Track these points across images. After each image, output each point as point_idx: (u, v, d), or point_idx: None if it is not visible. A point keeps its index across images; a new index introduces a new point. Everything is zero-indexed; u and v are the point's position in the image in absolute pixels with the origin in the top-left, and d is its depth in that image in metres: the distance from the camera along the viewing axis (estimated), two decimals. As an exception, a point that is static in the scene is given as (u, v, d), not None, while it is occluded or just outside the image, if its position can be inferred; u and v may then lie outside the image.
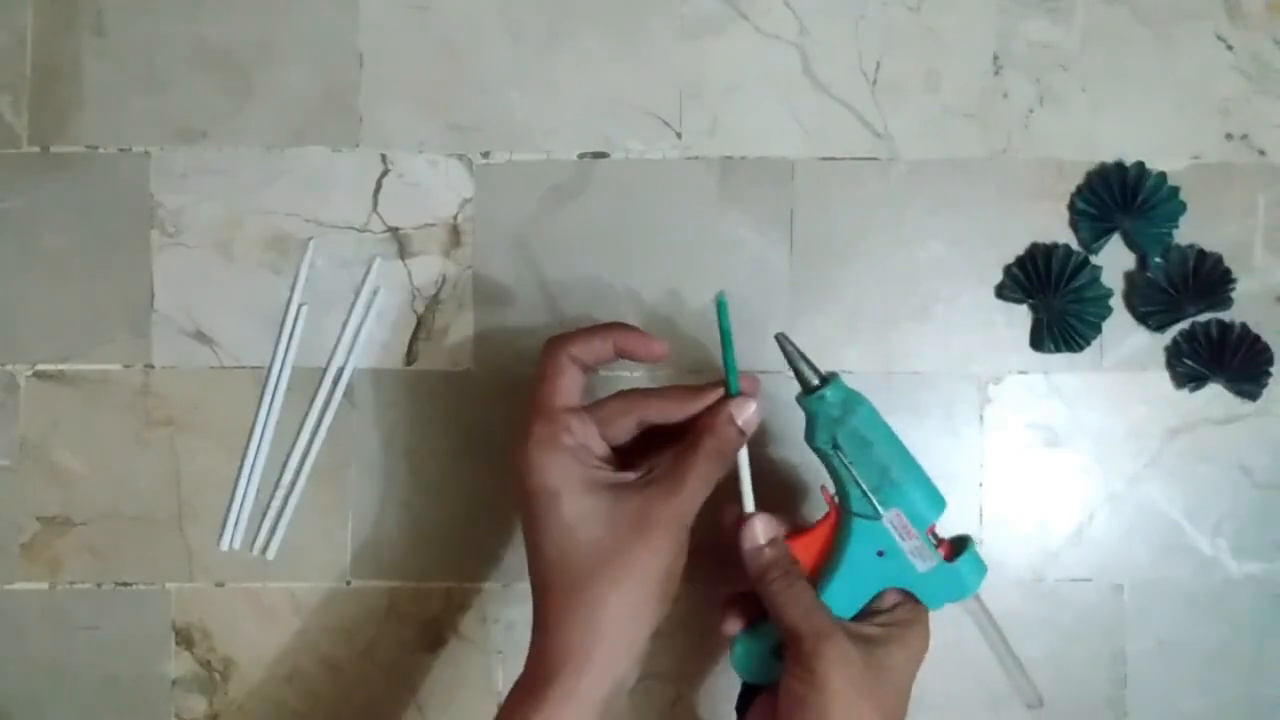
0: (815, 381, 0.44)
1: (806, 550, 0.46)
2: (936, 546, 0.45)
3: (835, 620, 0.43)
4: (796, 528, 0.47)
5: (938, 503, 0.45)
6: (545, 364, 0.44)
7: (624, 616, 0.40)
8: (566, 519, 0.41)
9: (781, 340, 0.45)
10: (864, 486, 0.44)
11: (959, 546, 0.45)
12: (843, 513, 0.45)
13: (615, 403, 0.45)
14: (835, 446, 0.44)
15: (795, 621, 0.42)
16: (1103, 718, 0.56)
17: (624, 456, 0.45)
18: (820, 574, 0.45)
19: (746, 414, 0.44)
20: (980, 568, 0.45)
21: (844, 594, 0.45)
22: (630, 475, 0.43)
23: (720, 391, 0.45)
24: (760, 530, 0.45)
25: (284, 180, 0.56)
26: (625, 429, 0.44)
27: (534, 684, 0.40)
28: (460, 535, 0.56)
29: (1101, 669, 0.57)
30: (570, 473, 0.41)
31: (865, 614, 0.45)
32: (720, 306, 0.45)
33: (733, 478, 0.45)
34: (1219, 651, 0.56)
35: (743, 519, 0.46)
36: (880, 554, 0.44)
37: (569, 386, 0.44)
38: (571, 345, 0.44)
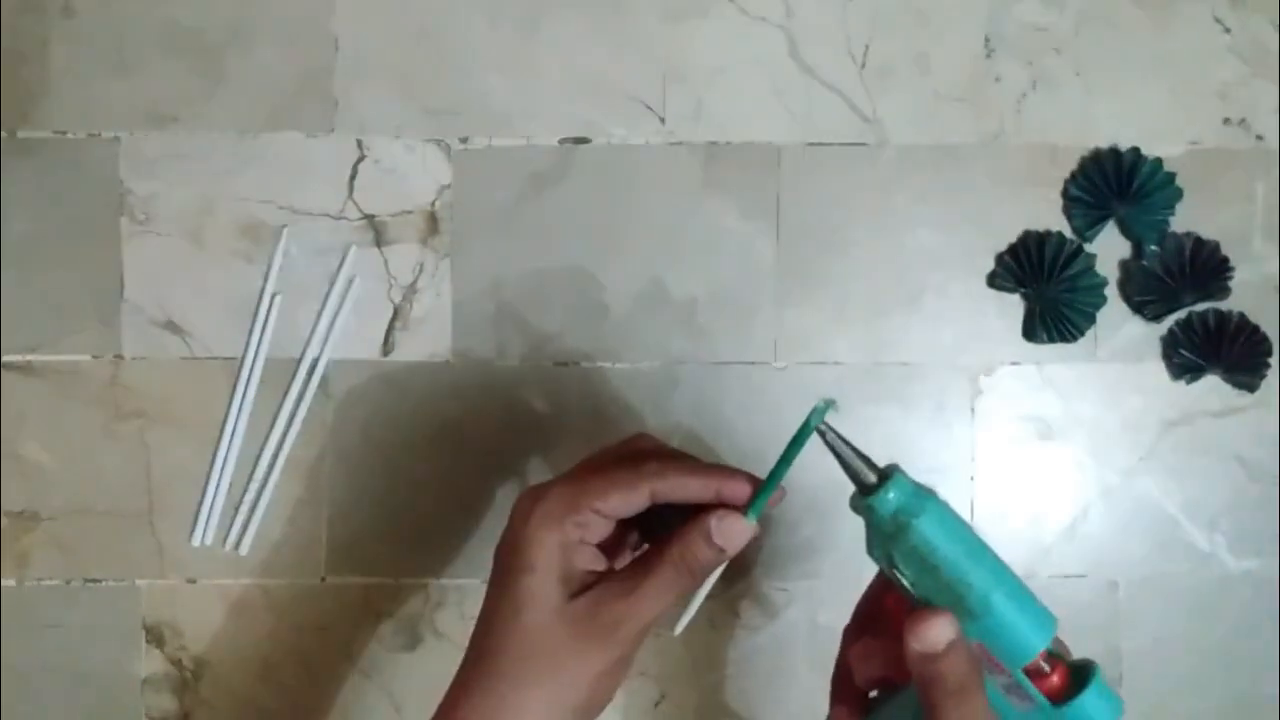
0: (870, 480, 0.36)
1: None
2: (1047, 675, 0.35)
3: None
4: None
5: (1037, 634, 0.35)
6: (630, 474, 0.39)
7: (536, 710, 0.38)
8: (522, 595, 0.38)
9: (825, 433, 0.37)
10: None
11: (1081, 677, 0.36)
12: None
13: (630, 478, 0.39)
14: (893, 565, 0.36)
15: (939, 680, 0.35)
16: (1097, 717, 0.55)
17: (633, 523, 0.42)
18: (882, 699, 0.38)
19: (729, 534, 0.38)
20: (1110, 709, 0.35)
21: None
22: (605, 565, 0.40)
23: (744, 487, 0.39)
24: (939, 632, 0.35)
25: (257, 166, 0.54)
26: (638, 505, 0.40)
27: None
28: (438, 530, 0.55)
29: (1096, 667, 0.55)
30: (554, 555, 0.38)
31: None
32: (816, 415, 0.37)
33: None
34: (1215, 648, 0.56)
35: (918, 616, 0.36)
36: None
37: (622, 508, 0.39)
38: (665, 481, 0.39)
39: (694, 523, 0.38)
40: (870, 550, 0.37)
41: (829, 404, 0.37)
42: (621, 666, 0.39)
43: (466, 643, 0.54)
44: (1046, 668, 0.36)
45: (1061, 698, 0.35)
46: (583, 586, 0.39)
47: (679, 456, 0.42)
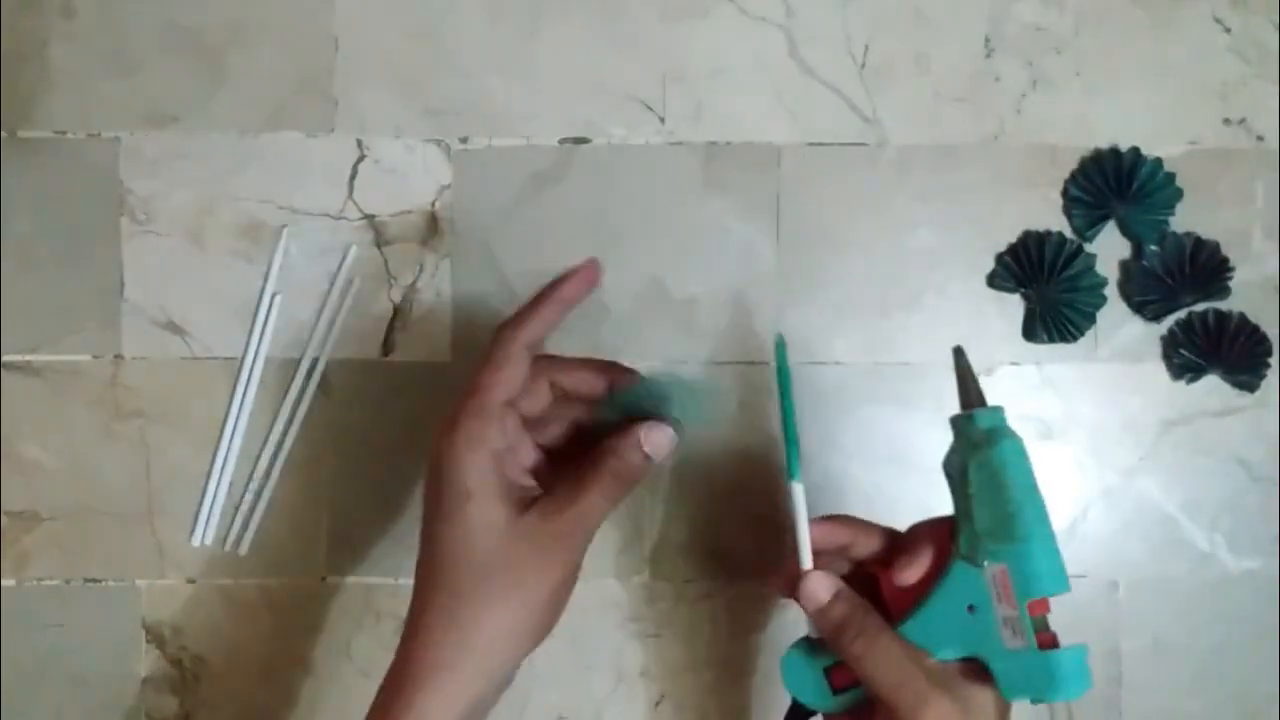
0: (972, 403, 0.41)
1: (902, 583, 0.41)
2: (1044, 628, 0.39)
3: (930, 676, 0.39)
4: (892, 548, 0.43)
5: (1056, 580, 0.39)
6: (495, 352, 0.42)
7: (499, 636, 0.39)
8: (468, 524, 0.39)
9: (958, 355, 0.41)
10: (977, 527, 0.39)
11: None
12: (951, 550, 0.41)
13: (497, 347, 0.42)
14: (963, 474, 0.40)
15: (884, 686, 0.39)
16: (1097, 716, 0.55)
17: (556, 463, 0.43)
18: (908, 610, 0.41)
19: (657, 441, 0.41)
20: (1083, 676, 0.38)
21: (918, 638, 0.40)
22: (539, 489, 0.42)
23: (633, 377, 0.43)
24: (821, 588, 0.42)
25: (257, 166, 0.54)
26: (522, 372, 0.41)
27: (394, 694, 0.39)
28: (438, 530, 0.55)
29: (1096, 667, 0.54)
30: (488, 477, 0.39)
31: None
32: (779, 348, 0.42)
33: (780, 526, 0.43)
34: (1216, 649, 0.55)
35: (800, 576, 0.42)
36: (970, 609, 0.39)
37: (515, 378, 0.41)
38: (524, 331, 0.42)
39: (624, 433, 0.41)
40: (948, 459, 0.41)
41: (780, 338, 0.42)
42: (572, 578, 0.41)
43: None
44: (1048, 620, 0.39)
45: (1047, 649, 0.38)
46: (522, 504, 0.40)
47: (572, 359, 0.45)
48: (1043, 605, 0.39)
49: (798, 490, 0.42)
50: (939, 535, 0.42)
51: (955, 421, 0.41)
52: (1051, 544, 0.39)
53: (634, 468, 0.41)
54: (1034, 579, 0.38)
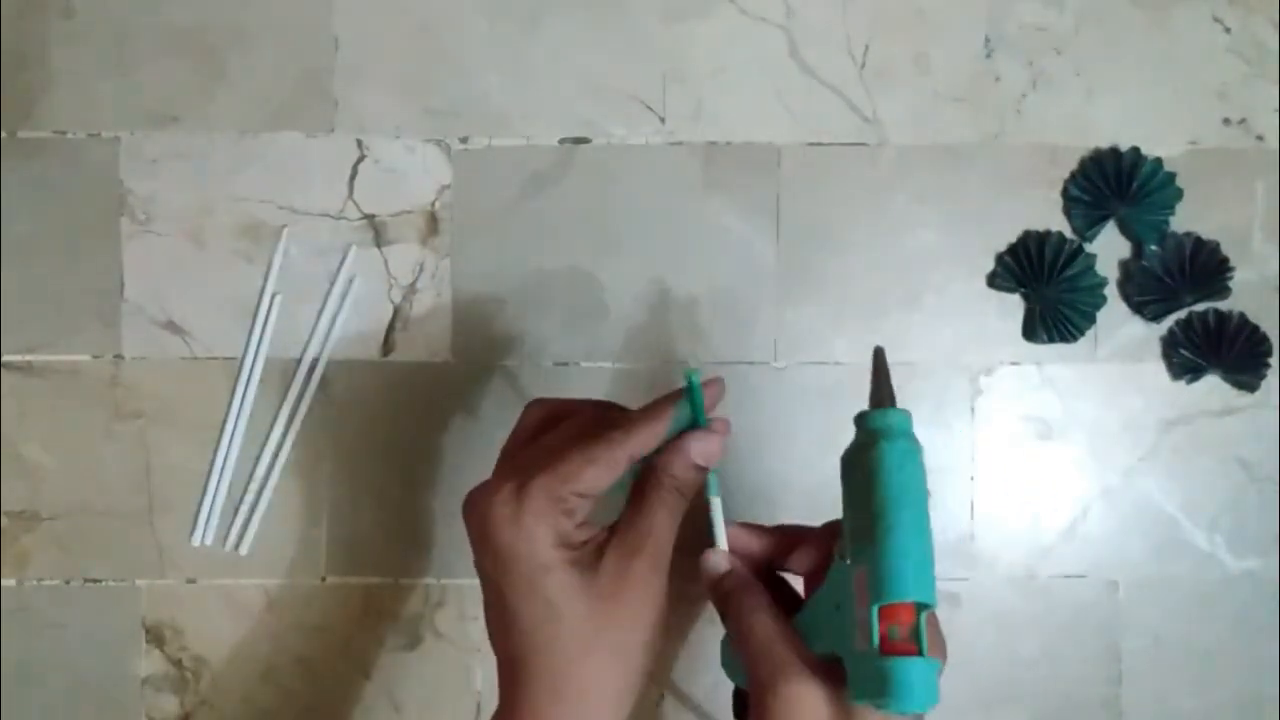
0: (879, 404, 0.40)
1: (791, 572, 0.43)
2: (899, 638, 0.36)
3: (802, 655, 0.38)
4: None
5: (912, 588, 0.36)
6: (599, 451, 0.39)
7: (613, 695, 0.39)
8: (552, 595, 0.38)
9: (878, 354, 0.41)
10: (846, 526, 0.39)
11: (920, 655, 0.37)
12: (835, 548, 0.41)
13: (605, 451, 0.40)
14: (845, 473, 0.40)
15: (750, 656, 0.39)
16: (1097, 717, 0.55)
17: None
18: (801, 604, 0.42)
19: (705, 449, 0.41)
20: (926, 690, 0.36)
21: (802, 630, 0.40)
22: (600, 533, 0.40)
23: (678, 398, 0.42)
24: (716, 563, 0.42)
25: (257, 166, 0.54)
26: (618, 475, 0.40)
27: None
28: (438, 530, 0.55)
29: (1096, 667, 0.55)
30: (555, 544, 0.39)
31: None
32: (691, 379, 0.41)
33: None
34: (1216, 649, 0.55)
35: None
36: (837, 607, 0.39)
37: (603, 484, 0.40)
38: (634, 443, 0.40)
39: (671, 451, 0.41)
40: (843, 455, 0.40)
41: (693, 372, 0.41)
42: (663, 609, 0.40)
43: (466, 642, 0.54)
44: (901, 630, 0.36)
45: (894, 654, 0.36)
46: (593, 559, 0.39)
47: (612, 413, 0.43)
48: (901, 613, 0.37)
49: (715, 503, 0.43)
50: (831, 533, 0.42)
51: (855, 419, 0.41)
52: (915, 552, 0.37)
53: (691, 483, 0.41)
54: (886, 584, 0.36)
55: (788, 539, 0.44)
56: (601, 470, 0.39)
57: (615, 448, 0.40)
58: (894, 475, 0.38)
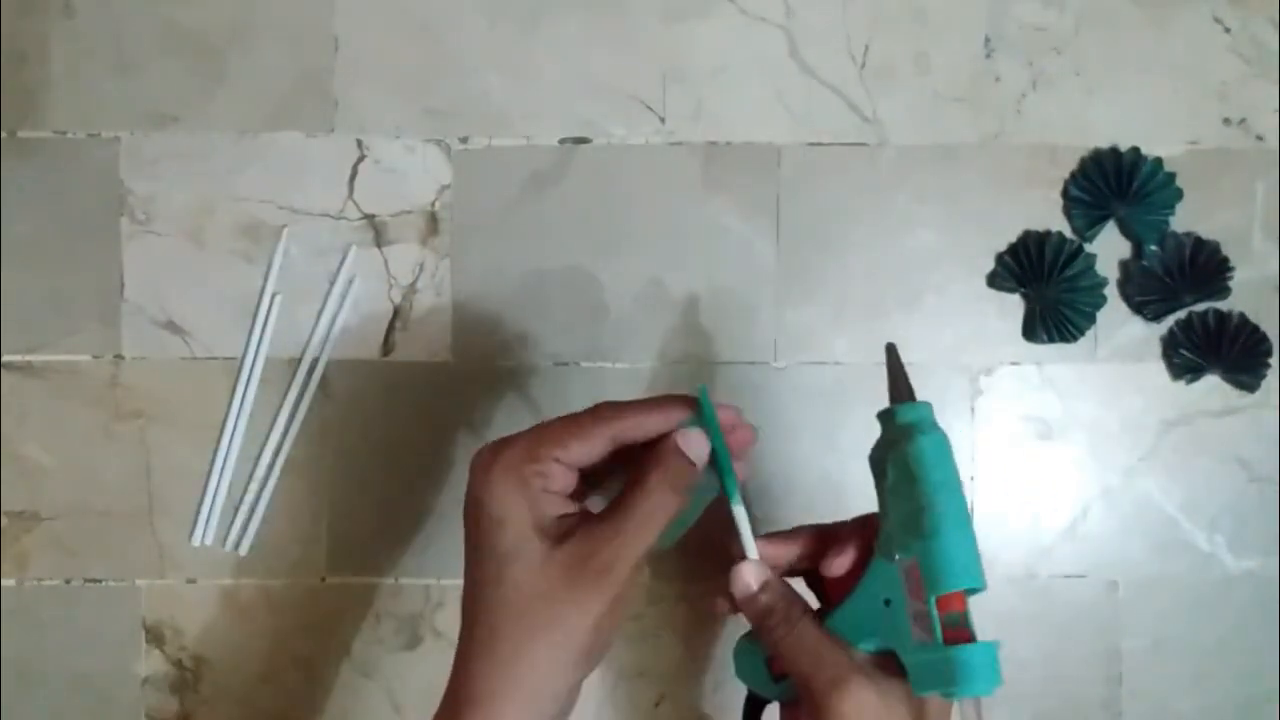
0: (900, 399, 0.41)
1: (829, 575, 0.42)
2: (957, 625, 0.38)
3: (849, 661, 0.39)
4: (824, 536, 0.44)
5: (966, 575, 0.38)
6: (585, 419, 0.40)
7: (545, 666, 0.38)
8: (505, 551, 0.38)
9: (891, 350, 0.41)
10: (891, 521, 0.39)
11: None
12: (875, 545, 0.41)
13: (590, 423, 0.40)
14: (881, 469, 0.40)
15: (803, 670, 0.39)
16: (1097, 717, 0.55)
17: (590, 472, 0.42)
18: (836, 604, 0.41)
19: (695, 446, 0.40)
20: (991, 672, 0.37)
21: (843, 630, 0.40)
22: (579, 514, 0.40)
23: (692, 404, 0.41)
24: (751, 576, 0.42)
25: (257, 166, 0.54)
26: (599, 451, 0.40)
27: None
28: (438, 530, 0.55)
29: (1096, 667, 0.55)
30: (521, 505, 0.38)
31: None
32: (703, 394, 0.41)
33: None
34: (1215, 649, 0.55)
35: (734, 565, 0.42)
36: (886, 603, 0.39)
37: (582, 455, 0.40)
38: (623, 421, 0.40)
39: (661, 446, 0.40)
40: (871, 454, 0.41)
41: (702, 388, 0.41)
42: (620, 605, 0.39)
43: (466, 643, 0.54)
44: (957, 617, 0.38)
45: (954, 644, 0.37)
46: (562, 533, 0.39)
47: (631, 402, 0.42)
48: (954, 601, 0.38)
49: (740, 513, 0.42)
50: (865, 531, 0.42)
51: (879, 417, 0.41)
52: (964, 539, 0.38)
53: (682, 477, 0.40)
54: (941, 574, 0.38)
55: (818, 542, 0.43)
56: (580, 441, 0.39)
57: (600, 422, 0.40)
58: (935, 468, 0.39)
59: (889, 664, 0.39)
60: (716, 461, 0.41)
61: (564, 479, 0.40)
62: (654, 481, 0.39)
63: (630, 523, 0.39)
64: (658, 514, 0.39)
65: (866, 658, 0.40)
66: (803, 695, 0.39)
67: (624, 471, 0.41)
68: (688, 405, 0.41)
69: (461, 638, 0.40)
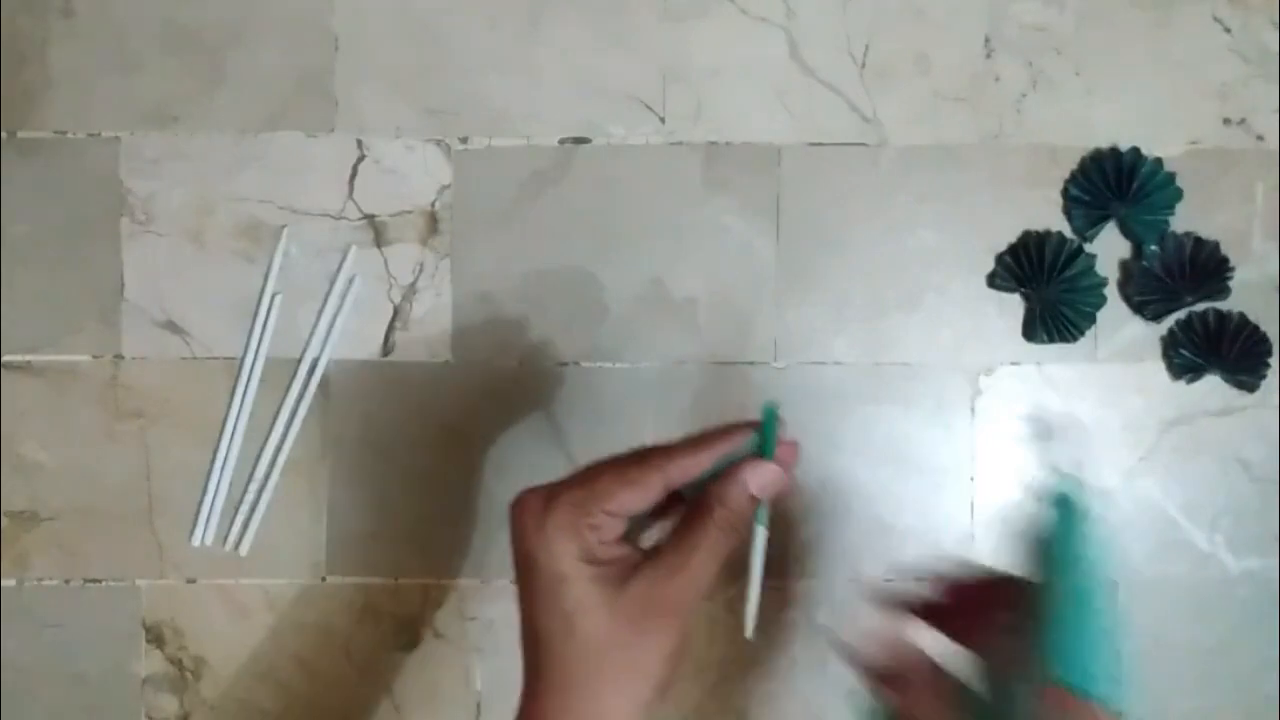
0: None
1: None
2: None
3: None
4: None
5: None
6: (635, 470, 0.39)
7: (624, 711, 0.38)
8: (572, 606, 0.38)
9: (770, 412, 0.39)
10: (1042, 639, 0.36)
11: None
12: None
13: (639, 473, 0.39)
14: (1047, 566, 0.37)
15: None
16: (1097, 717, 0.55)
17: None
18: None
19: (763, 479, 0.39)
20: None
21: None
22: (634, 553, 0.39)
23: (741, 437, 0.40)
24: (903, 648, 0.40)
25: (257, 166, 0.54)
26: (650, 500, 0.39)
27: None
28: (438, 530, 0.55)
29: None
30: (578, 557, 0.38)
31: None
32: (770, 417, 0.39)
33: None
34: (1216, 649, 0.55)
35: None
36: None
37: (636, 505, 0.39)
38: (674, 468, 0.39)
39: (727, 479, 0.39)
40: (1039, 540, 0.37)
41: (774, 407, 0.39)
42: (686, 640, 0.39)
43: (466, 642, 0.54)
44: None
45: None
46: (622, 578, 0.38)
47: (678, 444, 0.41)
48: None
49: (760, 534, 0.40)
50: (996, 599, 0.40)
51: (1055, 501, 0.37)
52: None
53: (742, 514, 0.39)
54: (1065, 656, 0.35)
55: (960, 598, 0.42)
56: (633, 491, 0.38)
57: (650, 470, 0.39)
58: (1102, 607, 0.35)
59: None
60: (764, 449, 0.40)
61: (615, 528, 0.39)
62: (718, 519, 0.39)
63: (694, 560, 0.38)
64: (719, 550, 0.39)
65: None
66: None
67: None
68: (737, 437, 0.40)
69: (531, 697, 0.39)
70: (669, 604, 0.38)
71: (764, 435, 0.39)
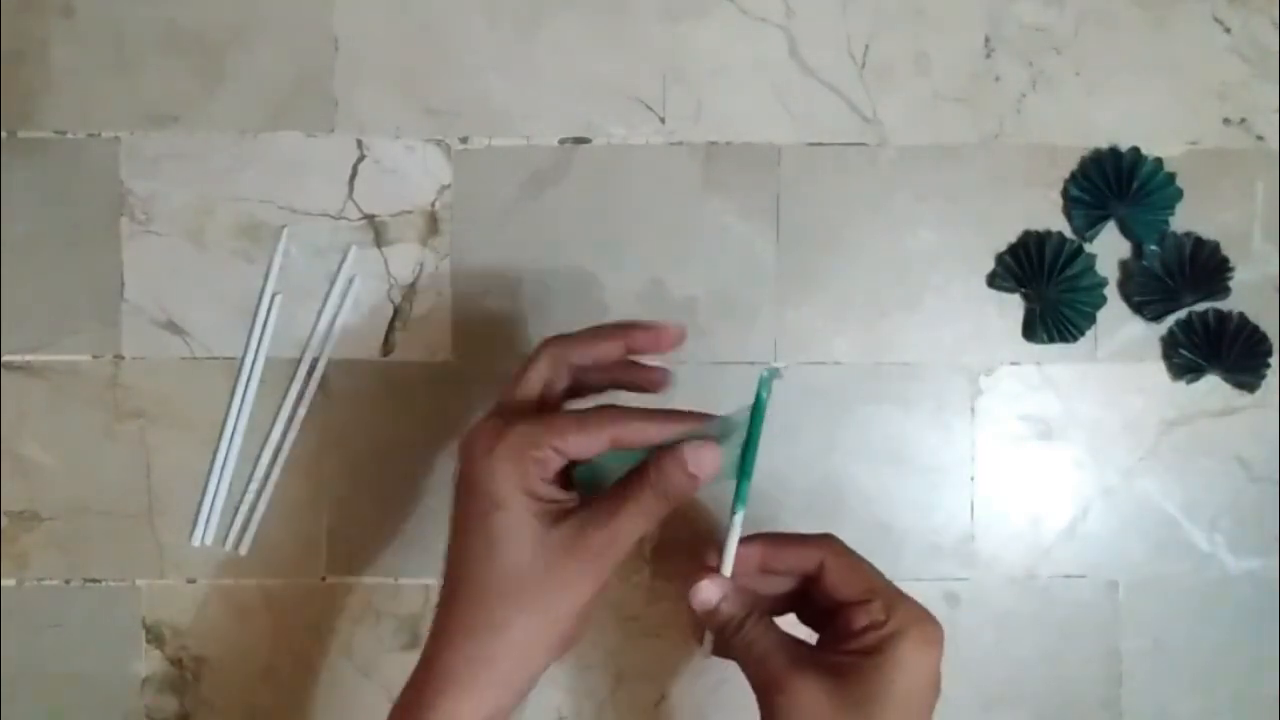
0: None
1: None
2: None
3: (789, 663, 0.40)
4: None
5: None
6: (532, 359, 0.42)
7: (522, 646, 0.39)
8: (496, 531, 0.39)
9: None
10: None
11: None
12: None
13: (594, 419, 0.40)
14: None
15: (750, 674, 0.41)
16: (1097, 717, 0.55)
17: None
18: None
19: (703, 461, 0.40)
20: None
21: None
22: (569, 500, 0.41)
23: (701, 424, 0.41)
24: (712, 592, 0.42)
25: (257, 166, 0.54)
26: (596, 448, 0.40)
27: (415, 698, 0.39)
28: (438, 530, 0.54)
29: (1096, 667, 0.55)
30: (518, 486, 0.39)
31: (838, 638, 0.41)
32: (764, 383, 0.41)
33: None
34: (1216, 649, 0.55)
35: (695, 579, 0.43)
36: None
37: (535, 380, 0.42)
38: (563, 345, 0.42)
39: (670, 451, 0.40)
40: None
41: (774, 373, 0.41)
42: (599, 595, 0.40)
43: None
44: None
45: None
46: (553, 518, 0.39)
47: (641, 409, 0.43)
48: None
49: (737, 525, 0.42)
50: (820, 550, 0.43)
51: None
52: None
53: (677, 488, 0.40)
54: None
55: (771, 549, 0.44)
56: (584, 435, 0.39)
57: (605, 420, 0.40)
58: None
59: (839, 664, 0.40)
60: (743, 461, 0.42)
61: (557, 466, 0.40)
62: (653, 482, 0.40)
63: (622, 511, 0.39)
64: (649, 510, 0.40)
65: (813, 657, 0.40)
66: (758, 701, 0.40)
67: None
68: (691, 423, 0.41)
69: (440, 613, 0.40)
70: (591, 550, 0.39)
71: (756, 403, 0.41)
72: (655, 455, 0.40)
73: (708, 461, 0.40)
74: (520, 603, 0.39)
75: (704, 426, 0.41)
